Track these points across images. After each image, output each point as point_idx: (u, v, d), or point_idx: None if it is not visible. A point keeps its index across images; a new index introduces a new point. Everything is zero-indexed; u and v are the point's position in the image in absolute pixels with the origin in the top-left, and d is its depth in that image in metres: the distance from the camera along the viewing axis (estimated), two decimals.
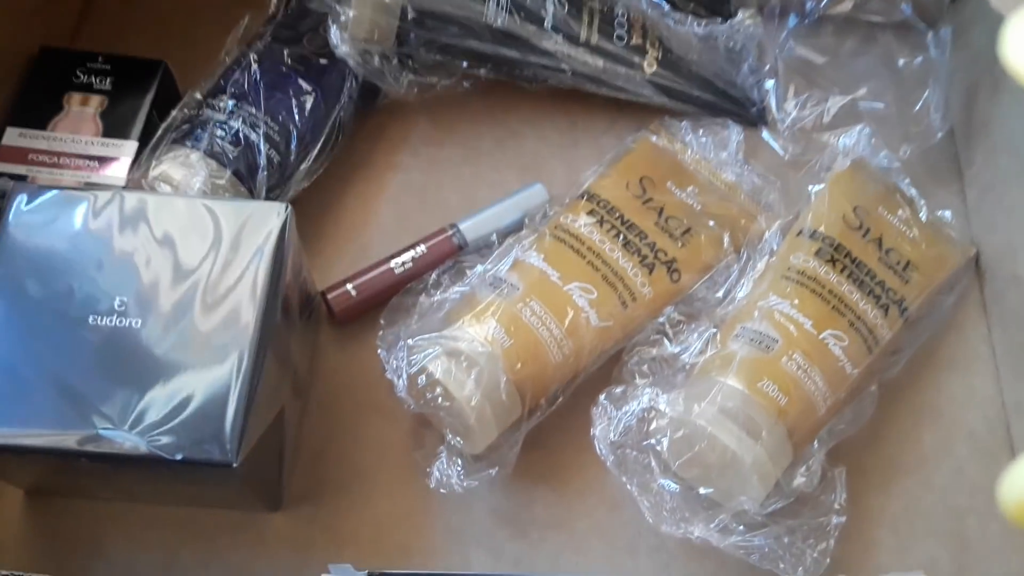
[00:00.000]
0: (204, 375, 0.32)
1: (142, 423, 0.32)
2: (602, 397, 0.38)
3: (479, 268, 0.42)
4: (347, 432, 0.41)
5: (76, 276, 0.34)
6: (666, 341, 0.40)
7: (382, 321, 0.40)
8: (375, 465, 0.41)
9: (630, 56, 0.47)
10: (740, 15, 0.47)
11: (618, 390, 0.39)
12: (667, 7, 0.47)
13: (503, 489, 0.40)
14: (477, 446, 0.38)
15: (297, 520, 0.39)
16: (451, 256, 0.44)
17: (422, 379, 0.37)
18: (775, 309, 0.39)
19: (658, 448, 0.37)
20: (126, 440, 0.31)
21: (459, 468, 0.38)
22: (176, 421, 0.32)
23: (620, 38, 0.46)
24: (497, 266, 0.41)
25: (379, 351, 0.39)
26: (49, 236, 0.35)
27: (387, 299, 0.42)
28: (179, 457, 0.31)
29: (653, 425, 0.37)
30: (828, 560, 0.36)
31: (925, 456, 0.42)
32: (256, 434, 0.33)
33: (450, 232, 0.44)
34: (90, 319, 0.33)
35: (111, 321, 0.33)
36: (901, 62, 0.48)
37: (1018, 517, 0.23)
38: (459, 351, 0.37)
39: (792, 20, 0.49)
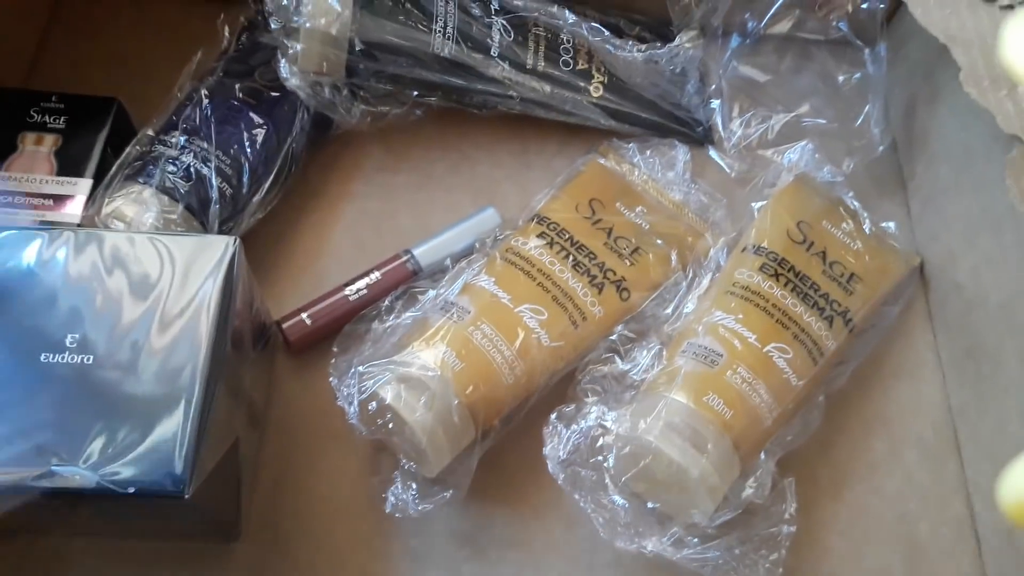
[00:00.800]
0: (155, 409, 0.33)
1: (95, 458, 0.32)
2: (553, 416, 0.39)
3: (431, 293, 0.42)
4: (305, 460, 0.42)
5: (28, 314, 0.34)
6: (617, 359, 0.41)
7: (335, 349, 0.41)
8: (333, 492, 0.41)
9: (576, 81, 0.48)
10: (679, 38, 0.48)
11: (568, 409, 0.39)
12: (607, 33, 0.48)
13: (462, 510, 0.41)
14: (432, 470, 0.38)
15: (257, 549, 0.40)
16: (406, 281, 0.44)
17: (372, 405, 0.38)
18: (720, 324, 0.40)
19: (606, 465, 0.38)
20: (78, 475, 0.32)
21: (414, 492, 0.38)
22: (129, 456, 0.32)
23: (566, 64, 0.48)
24: (448, 290, 0.42)
25: (331, 379, 0.40)
26: (3, 274, 0.35)
27: (343, 327, 0.42)
28: (131, 490, 0.32)
29: (600, 442, 0.38)
30: (780, 570, 0.37)
31: (875, 463, 0.43)
32: (208, 465, 0.33)
33: (404, 258, 0.45)
34: (42, 356, 0.33)
35: (63, 358, 0.33)
36: (840, 78, 0.50)
37: (1018, 517, 0.23)
38: (410, 376, 0.38)
39: (735, 40, 0.50)
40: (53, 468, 0.32)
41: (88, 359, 0.34)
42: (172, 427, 0.32)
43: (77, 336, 0.34)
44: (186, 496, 0.32)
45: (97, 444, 0.32)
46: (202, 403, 0.33)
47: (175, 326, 0.34)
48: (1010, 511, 0.23)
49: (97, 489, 0.32)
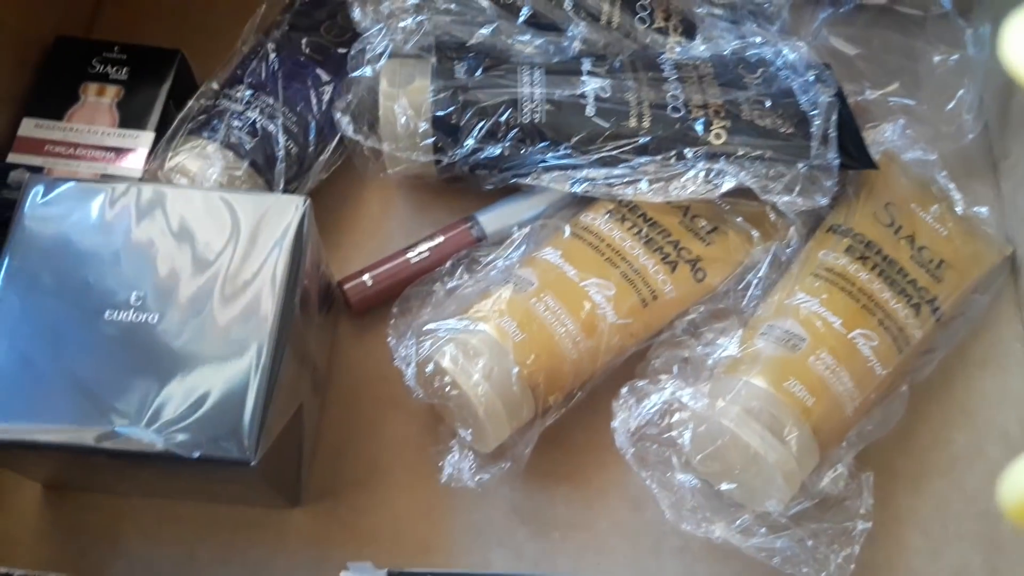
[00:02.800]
0: (222, 371, 0.32)
1: (159, 420, 0.31)
2: (624, 390, 0.38)
3: (495, 260, 0.41)
4: (366, 427, 0.41)
5: (92, 269, 0.33)
6: (692, 340, 0.39)
7: (394, 310, 0.40)
8: (394, 461, 0.40)
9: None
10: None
11: (641, 383, 0.38)
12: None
13: (523, 487, 0.40)
14: (489, 441, 0.37)
15: (316, 517, 0.39)
16: (469, 248, 0.43)
17: (429, 368, 0.37)
18: (803, 307, 0.38)
19: (679, 441, 0.36)
20: (143, 437, 0.31)
21: (471, 462, 0.37)
22: (193, 418, 0.31)
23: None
24: (513, 260, 0.41)
25: (389, 339, 0.39)
26: (65, 229, 0.34)
27: (404, 290, 0.41)
28: (196, 455, 0.31)
29: (675, 417, 0.37)
30: (852, 566, 0.36)
31: (956, 457, 0.41)
32: (275, 432, 0.32)
33: (469, 224, 0.43)
34: (106, 313, 0.33)
35: (128, 316, 0.33)
36: (936, 58, 0.47)
37: (1018, 517, 0.22)
38: (467, 341, 0.36)
39: (826, 9, 0.47)
40: (117, 429, 0.31)
41: (153, 317, 0.33)
42: (239, 391, 0.31)
43: (142, 294, 0.33)
44: (252, 463, 0.31)
45: (161, 406, 0.31)
46: (270, 367, 0.32)
47: (244, 287, 0.33)
48: (1010, 511, 0.22)
49: (161, 453, 0.31)
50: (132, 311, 0.33)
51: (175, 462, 0.31)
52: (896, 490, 0.40)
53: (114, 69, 0.44)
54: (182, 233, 0.34)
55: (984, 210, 0.44)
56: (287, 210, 0.34)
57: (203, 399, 0.31)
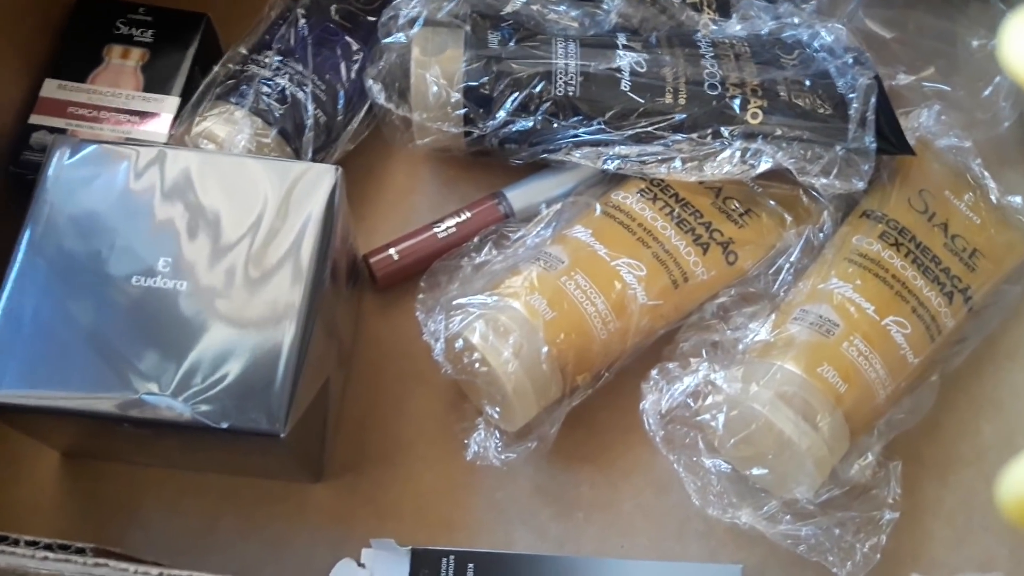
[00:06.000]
0: (251, 342, 0.31)
1: (186, 389, 0.31)
2: (654, 372, 0.37)
3: (524, 237, 0.41)
4: (390, 402, 0.40)
5: (118, 235, 0.33)
6: (721, 324, 0.39)
7: (422, 284, 0.39)
8: (418, 437, 0.40)
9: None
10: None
11: (671, 366, 0.37)
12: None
13: (548, 467, 0.39)
14: (516, 420, 0.37)
15: (338, 492, 0.39)
16: (496, 224, 0.42)
17: (459, 343, 0.36)
18: (836, 292, 0.38)
19: (712, 424, 0.36)
20: (170, 406, 0.30)
21: (497, 440, 0.37)
22: (221, 388, 0.31)
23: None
24: (543, 237, 0.40)
25: (417, 314, 0.38)
26: (91, 193, 0.33)
27: (429, 265, 0.41)
28: (225, 426, 0.30)
29: (708, 400, 0.36)
30: (878, 556, 0.35)
31: (985, 448, 0.41)
32: (303, 404, 0.32)
33: (496, 200, 0.43)
34: (133, 279, 0.32)
35: (155, 282, 0.32)
36: (975, 43, 0.46)
37: (1018, 517, 0.22)
38: (497, 318, 0.36)
39: None
40: (143, 397, 0.31)
41: (182, 284, 0.32)
42: (270, 362, 0.31)
43: (171, 260, 0.32)
44: (282, 435, 0.30)
45: (189, 374, 0.31)
46: (301, 339, 0.31)
47: (274, 256, 0.32)
48: (1010, 511, 0.22)
49: (188, 422, 0.30)
50: (159, 277, 0.32)
51: (202, 432, 0.31)
52: (923, 480, 0.40)
53: (139, 31, 0.43)
54: (211, 200, 0.33)
55: (1018, 199, 0.43)
56: (320, 179, 0.34)
57: (232, 369, 0.31)
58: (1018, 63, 0.22)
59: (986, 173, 0.43)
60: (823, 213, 0.41)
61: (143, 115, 0.41)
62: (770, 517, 0.36)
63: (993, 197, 0.43)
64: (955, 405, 0.41)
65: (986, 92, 0.45)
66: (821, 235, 0.41)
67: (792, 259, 0.40)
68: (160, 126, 0.41)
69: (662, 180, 0.41)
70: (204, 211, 0.33)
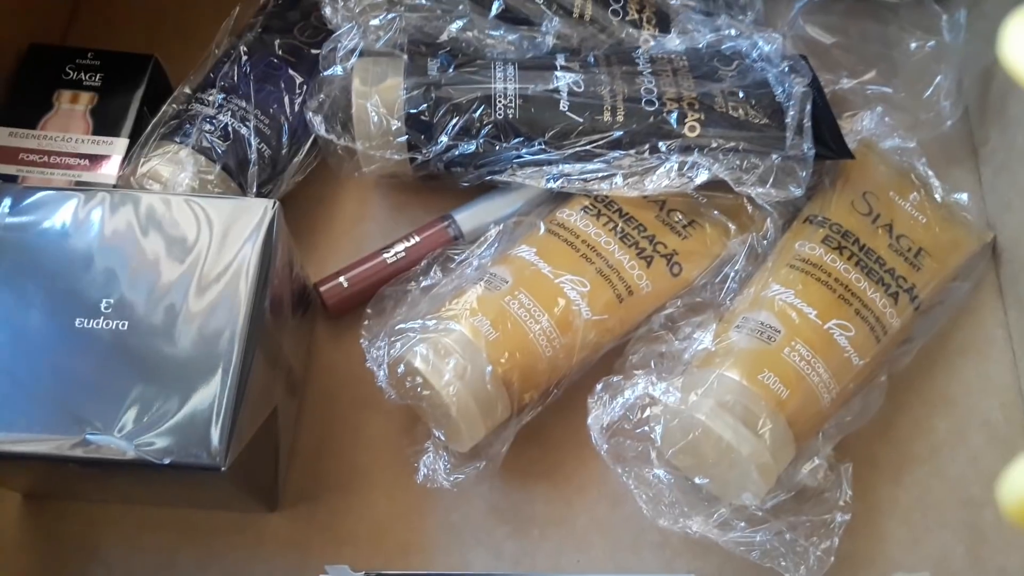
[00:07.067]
0: (192, 377, 0.32)
1: (130, 427, 0.31)
2: (598, 386, 0.38)
3: (469, 259, 0.41)
4: (344, 429, 0.41)
5: (63, 277, 0.33)
6: (669, 335, 0.39)
7: (368, 311, 0.40)
8: (372, 463, 0.40)
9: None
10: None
11: (615, 379, 0.38)
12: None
13: (502, 486, 0.40)
14: (464, 441, 0.37)
15: (295, 520, 0.39)
16: (446, 247, 0.43)
17: (401, 368, 0.37)
18: (777, 298, 0.38)
19: (652, 436, 0.36)
20: (114, 445, 0.31)
21: (446, 463, 0.37)
22: (164, 425, 0.31)
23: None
24: (487, 258, 0.41)
25: (362, 341, 0.39)
26: (37, 237, 0.34)
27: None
28: (167, 462, 0.31)
29: (648, 412, 0.36)
30: (832, 559, 0.35)
31: (938, 445, 0.41)
32: (246, 436, 0.32)
33: (445, 223, 0.43)
34: (76, 322, 0.33)
35: (97, 323, 0.33)
36: (913, 45, 0.46)
37: (1018, 517, 0.22)
38: (439, 340, 0.36)
39: None
40: (88, 437, 0.31)
41: (123, 324, 0.33)
42: (209, 396, 0.31)
43: (112, 301, 0.33)
44: (222, 469, 0.31)
45: (132, 412, 0.31)
46: (240, 371, 0.32)
47: (212, 292, 0.33)
48: (1010, 511, 0.22)
49: (132, 460, 0.31)
50: (102, 318, 0.33)
51: (147, 469, 0.31)
52: (877, 480, 0.40)
53: (88, 75, 0.44)
54: (153, 240, 0.34)
55: (964, 196, 0.44)
56: (256, 213, 0.34)
57: (174, 405, 0.31)
58: (1018, 63, 0.22)
59: (931, 172, 0.44)
60: (766, 220, 0.42)
61: (93, 158, 0.42)
62: (722, 525, 0.36)
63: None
64: (908, 404, 0.41)
65: (927, 93, 0.46)
66: (765, 242, 0.41)
67: (737, 267, 0.40)
68: (111, 168, 0.42)
69: (606, 196, 0.41)
70: (145, 251, 0.34)
